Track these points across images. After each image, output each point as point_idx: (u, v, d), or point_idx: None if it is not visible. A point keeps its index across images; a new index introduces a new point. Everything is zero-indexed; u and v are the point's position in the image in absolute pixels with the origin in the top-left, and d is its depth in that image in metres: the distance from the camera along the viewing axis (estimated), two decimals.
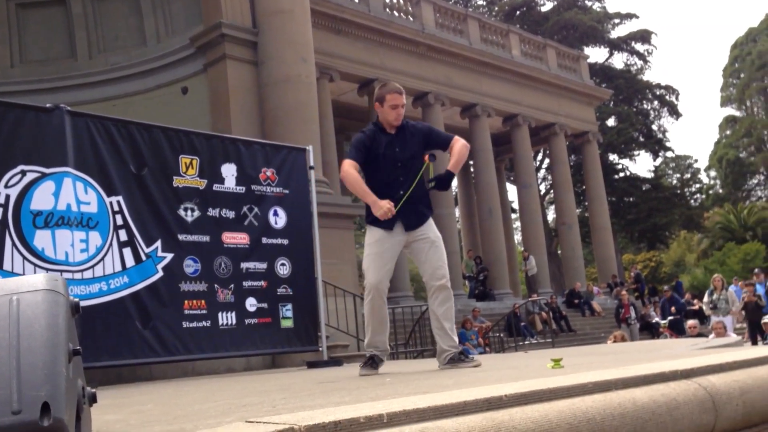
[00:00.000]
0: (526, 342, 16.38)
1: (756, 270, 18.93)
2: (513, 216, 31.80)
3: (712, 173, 52.66)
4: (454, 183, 27.66)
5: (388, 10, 19.64)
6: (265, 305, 7.29)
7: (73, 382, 1.38)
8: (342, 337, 9.94)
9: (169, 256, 6.67)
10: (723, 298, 14.15)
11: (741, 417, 2.44)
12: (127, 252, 6.43)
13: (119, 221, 6.40)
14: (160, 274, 6.59)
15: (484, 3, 42.87)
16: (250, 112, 11.53)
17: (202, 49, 11.84)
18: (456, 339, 4.59)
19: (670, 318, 17.75)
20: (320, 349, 7.66)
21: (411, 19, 20.28)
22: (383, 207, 4.35)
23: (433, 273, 4.53)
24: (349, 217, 12.05)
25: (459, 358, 4.46)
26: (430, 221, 4.69)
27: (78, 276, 6.02)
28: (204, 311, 6.82)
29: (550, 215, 37.26)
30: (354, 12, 18.03)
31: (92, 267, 6.17)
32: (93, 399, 1.49)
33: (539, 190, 32.26)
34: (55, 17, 12.81)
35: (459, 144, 4.69)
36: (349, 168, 4.52)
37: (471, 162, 22.46)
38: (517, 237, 34.26)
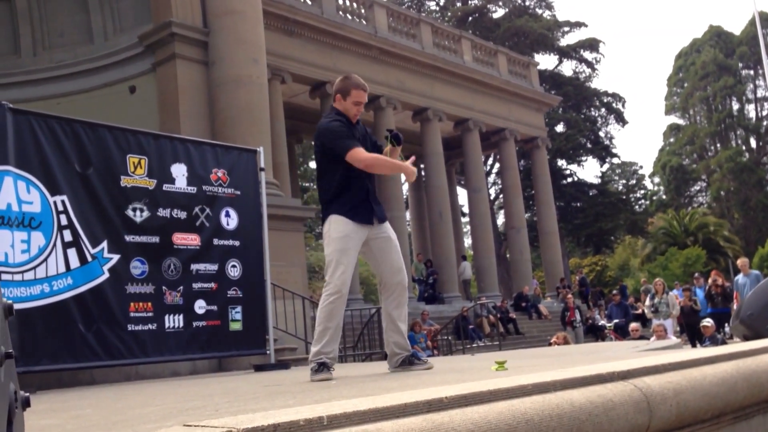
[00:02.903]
0: (474, 345, 16.55)
1: (696, 274, 19.50)
2: (463, 220, 32.12)
3: (656, 180, 54.04)
4: (405, 187, 27.80)
5: (341, 12, 19.65)
6: (214, 308, 7.22)
7: (5, 386, 1.35)
8: (290, 340, 9.89)
9: (116, 257, 6.55)
10: (664, 302, 14.52)
11: (675, 417, 2.52)
12: (72, 253, 6.28)
13: (63, 221, 6.26)
14: (106, 275, 6.46)
15: (437, 8, 43.26)
16: (200, 113, 11.40)
17: (151, 47, 11.67)
18: (408, 342, 4.53)
19: (615, 321, 18.12)
20: (268, 352, 7.62)
21: (364, 22, 20.33)
22: (412, 169, 4.38)
23: (395, 272, 4.40)
24: (299, 219, 12.00)
25: (411, 360, 4.39)
26: (388, 222, 4.63)
27: (18, 277, 5.86)
28: (150, 314, 6.71)
29: (500, 219, 37.70)
30: (306, 14, 17.98)
31: (34, 268, 6.02)
32: (26, 403, 1.46)
33: (489, 195, 32.66)
34: None
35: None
36: (363, 152, 4.31)
37: (422, 165, 22.59)
38: (467, 241, 34.59)
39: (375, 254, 4.44)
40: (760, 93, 51.22)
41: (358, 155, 4.28)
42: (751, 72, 51.37)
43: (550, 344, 13.12)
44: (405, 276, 4.47)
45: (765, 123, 49.39)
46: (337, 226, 4.32)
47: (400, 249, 4.51)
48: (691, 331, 14.57)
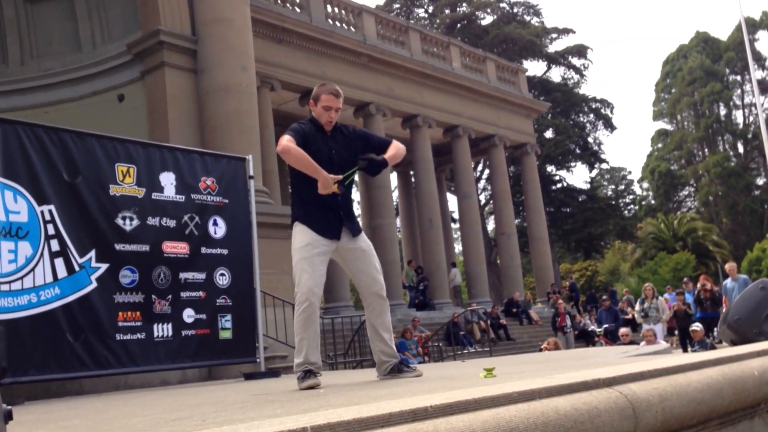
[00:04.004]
0: (465, 351, 16.54)
1: (685, 279, 19.59)
2: (453, 226, 32.16)
3: (645, 185, 54.35)
4: (395, 194, 27.83)
5: (329, 20, 19.69)
6: (203, 316, 7.20)
7: None
8: (280, 347, 9.88)
9: (104, 266, 6.52)
10: (654, 307, 14.58)
11: (660, 424, 2.53)
12: (59, 262, 6.25)
13: (51, 231, 6.23)
14: (94, 285, 6.43)
15: (426, 16, 43.41)
16: (189, 121, 11.39)
17: (140, 56, 11.66)
18: (394, 349, 4.52)
19: (605, 326, 18.18)
20: (258, 360, 7.60)
21: (353, 29, 20.37)
22: (328, 183, 4.10)
23: (371, 283, 4.39)
24: (288, 227, 11.98)
25: (399, 368, 4.39)
26: (363, 233, 4.57)
27: (5, 288, 5.83)
28: (139, 323, 6.69)
29: (490, 225, 37.79)
30: (295, 22, 18.01)
31: (21, 278, 5.99)
32: (8, 416, 1.45)
33: (479, 201, 32.74)
34: None
35: (396, 143, 4.58)
36: (290, 143, 4.17)
37: (412, 172, 22.62)
38: (458, 247, 34.64)
39: (350, 266, 4.47)
40: (747, 98, 51.62)
41: (281, 142, 4.21)
42: (738, 77, 51.79)
43: (541, 350, 13.14)
44: (381, 286, 4.44)
45: (752, 128, 49.70)
46: (298, 236, 4.37)
47: (375, 256, 4.49)
48: (684, 335, 14.63)
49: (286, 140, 4.20)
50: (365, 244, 4.48)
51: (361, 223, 4.80)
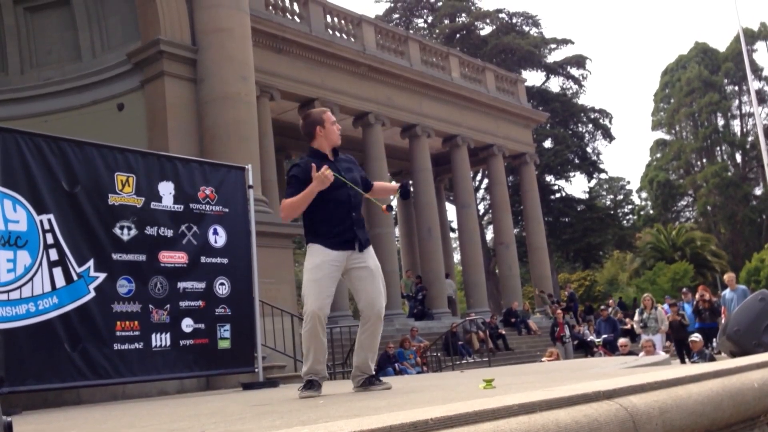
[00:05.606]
0: (464, 361, 16.51)
1: (684, 289, 19.58)
2: (452, 235, 32.15)
3: (644, 195, 54.39)
4: (394, 203, 27.84)
5: (329, 30, 19.73)
6: (202, 326, 7.18)
7: None
8: (279, 357, 9.85)
9: (102, 275, 6.51)
10: (652, 317, 14.56)
11: None
12: (58, 272, 6.24)
13: (50, 240, 6.22)
14: (92, 294, 6.42)
15: (425, 26, 43.56)
16: (188, 130, 11.39)
17: (140, 65, 11.67)
18: (373, 367, 4.65)
19: (604, 336, 18.17)
20: (256, 370, 7.58)
21: (352, 39, 20.42)
22: (319, 175, 4.26)
23: (371, 304, 4.49)
24: (287, 236, 11.98)
25: (371, 381, 4.55)
26: (371, 249, 4.67)
27: (4, 297, 5.82)
28: (137, 332, 6.67)
29: (489, 235, 37.80)
30: (295, 31, 18.05)
31: (20, 287, 5.98)
32: (9, 429, 1.45)
33: (478, 210, 32.76)
34: None
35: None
36: (283, 204, 4.51)
37: (411, 182, 22.58)
38: (457, 256, 34.62)
39: (354, 283, 4.56)
40: (745, 109, 51.76)
41: (281, 206, 4.55)
42: (736, 88, 51.93)
43: (542, 362, 13.11)
44: (381, 307, 4.52)
45: (750, 138, 49.82)
46: (310, 257, 4.48)
47: (381, 278, 4.59)
48: (679, 346, 14.61)
49: (282, 206, 4.53)
50: (373, 263, 4.57)
51: None
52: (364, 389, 4.53)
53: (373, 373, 4.65)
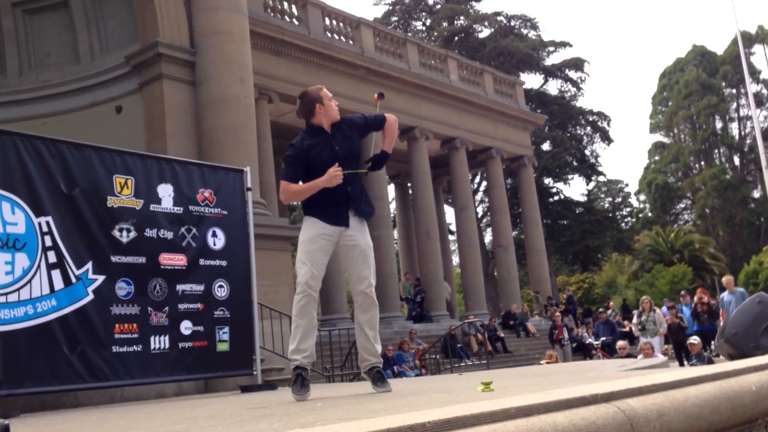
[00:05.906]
0: (462, 363, 16.51)
1: (682, 292, 19.59)
2: (451, 238, 32.15)
3: (642, 197, 54.45)
4: (392, 206, 27.86)
5: (328, 32, 19.76)
6: (201, 328, 7.17)
7: None
8: (277, 360, 9.84)
9: (101, 278, 6.50)
10: (651, 320, 14.56)
11: None
12: (56, 274, 6.23)
13: (48, 242, 6.21)
14: (91, 296, 6.41)
15: (424, 28, 43.62)
16: (187, 133, 11.40)
17: (138, 67, 11.68)
18: (379, 349, 4.62)
19: (602, 339, 18.17)
20: (255, 372, 7.57)
21: (351, 42, 20.44)
22: (330, 174, 4.31)
23: (359, 280, 4.53)
24: (286, 239, 11.99)
25: (378, 377, 4.52)
26: (366, 226, 4.68)
27: (2, 299, 5.81)
28: (135, 335, 6.66)
29: (487, 237, 37.83)
30: (294, 34, 18.07)
31: (18, 290, 5.97)
32: (5, 431, 1.45)
33: (476, 213, 32.77)
34: None
35: (390, 120, 4.73)
36: (285, 187, 4.51)
37: (409, 184, 22.62)
38: (455, 259, 34.63)
39: (343, 259, 4.64)
40: (743, 112, 51.90)
41: (280, 189, 4.54)
42: (734, 91, 52.03)
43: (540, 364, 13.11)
44: (369, 285, 4.53)
45: (748, 141, 49.90)
46: (304, 230, 4.55)
47: (371, 256, 4.61)
48: (678, 349, 14.61)
49: (282, 187, 4.50)
50: (362, 238, 4.58)
51: None
52: (369, 380, 4.54)
53: (380, 357, 4.62)
